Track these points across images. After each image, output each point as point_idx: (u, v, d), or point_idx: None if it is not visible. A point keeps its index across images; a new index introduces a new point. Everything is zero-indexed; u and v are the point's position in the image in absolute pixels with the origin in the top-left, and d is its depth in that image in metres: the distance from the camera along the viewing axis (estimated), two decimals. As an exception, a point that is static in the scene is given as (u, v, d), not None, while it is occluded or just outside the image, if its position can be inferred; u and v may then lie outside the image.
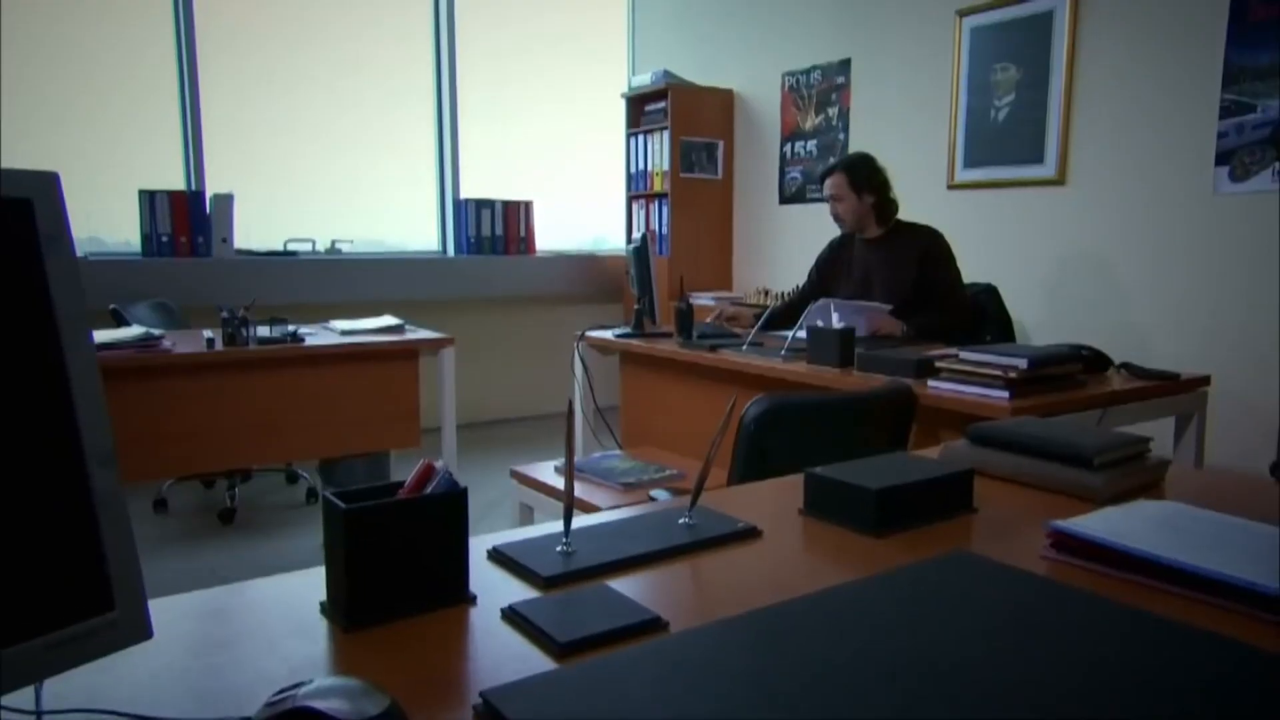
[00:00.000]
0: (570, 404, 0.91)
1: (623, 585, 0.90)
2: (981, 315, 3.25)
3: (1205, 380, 2.36)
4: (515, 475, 2.70)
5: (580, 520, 1.06)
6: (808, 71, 4.75)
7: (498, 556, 0.97)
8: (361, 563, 0.80)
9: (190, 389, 2.88)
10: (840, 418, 1.91)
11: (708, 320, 3.45)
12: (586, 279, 5.59)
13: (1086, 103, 3.54)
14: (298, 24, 4.88)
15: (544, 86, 5.70)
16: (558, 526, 1.03)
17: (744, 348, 2.81)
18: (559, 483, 2.56)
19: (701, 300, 4.95)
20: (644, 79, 5.28)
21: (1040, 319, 3.75)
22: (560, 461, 2.74)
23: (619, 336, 3.25)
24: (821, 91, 4.69)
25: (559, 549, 0.97)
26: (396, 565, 0.82)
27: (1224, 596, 0.84)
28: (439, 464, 0.88)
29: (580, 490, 2.48)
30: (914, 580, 0.89)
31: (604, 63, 5.92)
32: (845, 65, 4.54)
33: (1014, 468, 1.28)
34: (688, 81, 5.20)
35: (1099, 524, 0.98)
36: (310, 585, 0.89)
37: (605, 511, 1.15)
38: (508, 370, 5.47)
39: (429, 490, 0.86)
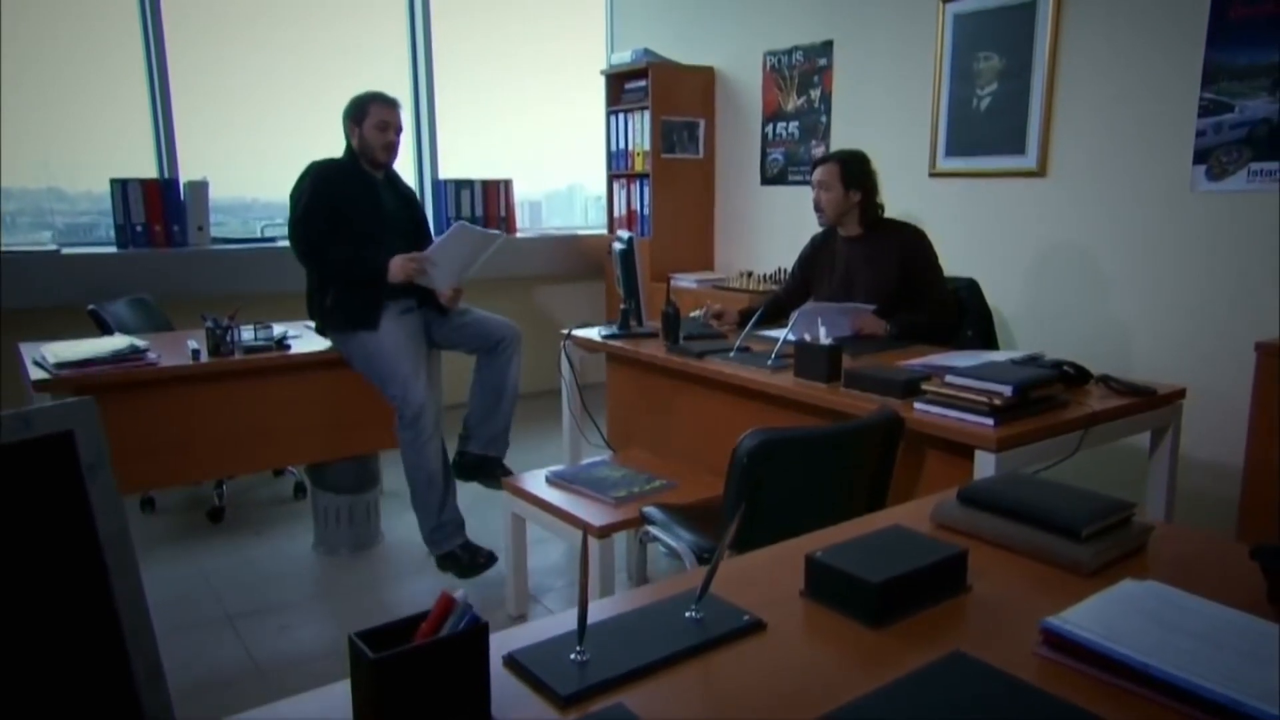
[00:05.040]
0: (585, 544, 0.93)
1: (638, 700, 0.93)
2: (962, 310, 3.29)
3: (1181, 393, 2.42)
4: (507, 486, 2.73)
5: (591, 615, 1.09)
6: (789, 52, 4.71)
7: (514, 665, 1.00)
8: (390, 708, 0.83)
9: (177, 400, 2.86)
10: (831, 448, 1.96)
11: (693, 314, 3.47)
12: (567, 259, 5.57)
13: (1068, 95, 3.55)
14: (268, 3, 4.76)
15: (522, 64, 5.61)
16: (570, 623, 1.06)
17: (731, 354, 2.83)
18: (550, 495, 2.59)
19: (684, 282, 4.96)
20: (624, 56, 5.21)
21: (1020, 312, 3.80)
22: (552, 470, 2.78)
23: (605, 338, 3.26)
24: (803, 73, 4.65)
25: (573, 657, 1.00)
26: (423, 704, 0.85)
27: (1220, 717, 0.88)
28: (459, 594, 0.90)
29: (570, 503, 2.51)
30: (914, 692, 0.93)
31: (583, 40, 5.82)
32: (828, 47, 4.50)
33: (1004, 534, 1.32)
34: (668, 59, 5.14)
35: (1090, 619, 1.02)
36: (335, 712, 0.91)
37: (612, 598, 1.18)
38: (490, 351, 5.45)
39: (451, 624, 0.88)
